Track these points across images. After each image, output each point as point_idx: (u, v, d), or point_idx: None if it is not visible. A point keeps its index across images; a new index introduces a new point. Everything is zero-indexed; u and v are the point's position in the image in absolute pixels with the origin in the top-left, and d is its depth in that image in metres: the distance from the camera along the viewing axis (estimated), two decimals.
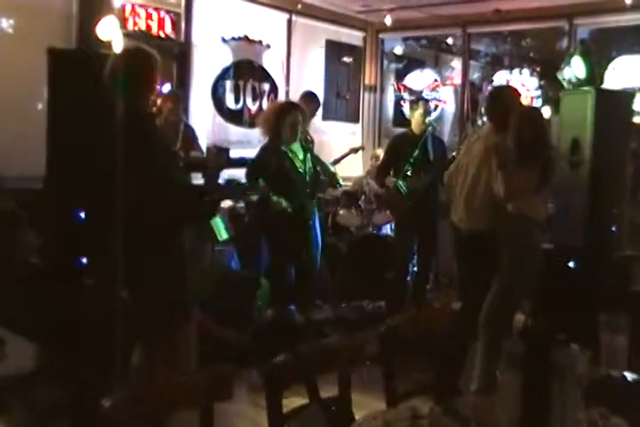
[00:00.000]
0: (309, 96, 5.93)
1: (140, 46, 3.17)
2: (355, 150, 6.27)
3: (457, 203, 3.91)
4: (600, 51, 6.50)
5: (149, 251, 2.89)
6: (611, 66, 6.34)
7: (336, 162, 5.88)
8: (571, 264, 4.34)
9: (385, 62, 8.12)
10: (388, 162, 5.53)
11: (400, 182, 5.27)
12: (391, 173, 5.39)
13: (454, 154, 5.99)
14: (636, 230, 5.10)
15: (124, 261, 2.83)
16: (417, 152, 5.28)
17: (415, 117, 5.37)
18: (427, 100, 5.81)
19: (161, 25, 5.73)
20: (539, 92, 6.96)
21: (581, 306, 3.88)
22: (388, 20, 6.90)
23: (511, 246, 3.61)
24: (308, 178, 4.71)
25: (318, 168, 4.84)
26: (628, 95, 5.67)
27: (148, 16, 5.63)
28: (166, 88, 5.49)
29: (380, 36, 7.88)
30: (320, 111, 6.61)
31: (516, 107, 3.87)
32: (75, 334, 3.11)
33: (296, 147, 4.71)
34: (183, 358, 3.13)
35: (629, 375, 2.16)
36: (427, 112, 5.41)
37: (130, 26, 5.46)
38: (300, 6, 6.67)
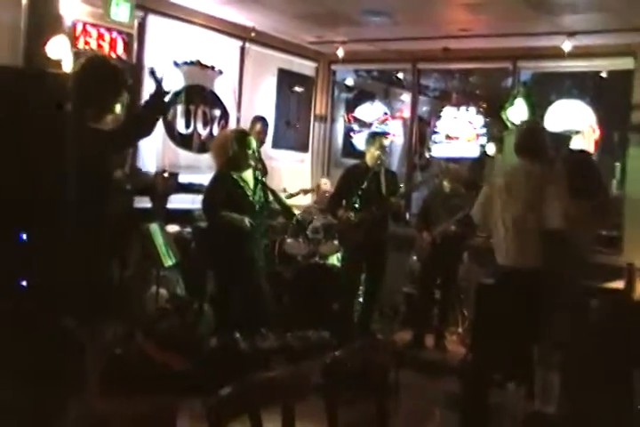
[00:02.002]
0: (261, 120, 6.02)
1: (106, 58, 3.19)
2: (305, 192, 6.30)
3: (505, 242, 3.93)
4: (541, 93, 6.79)
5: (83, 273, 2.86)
6: (550, 108, 6.61)
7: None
8: None
9: (336, 93, 8.24)
10: (341, 193, 5.61)
11: (351, 214, 5.35)
12: (343, 203, 5.47)
13: (402, 186, 6.15)
14: None
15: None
16: (370, 185, 5.38)
17: (371, 151, 5.47)
18: (385, 136, 5.91)
19: (112, 46, 5.67)
20: (484, 130, 7.17)
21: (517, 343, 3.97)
22: (340, 53, 7.02)
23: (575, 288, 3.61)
24: (257, 207, 4.74)
25: (271, 198, 4.88)
26: (565, 137, 5.94)
27: (100, 36, 5.56)
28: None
29: (332, 67, 7.99)
30: (270, 139, 6.69)
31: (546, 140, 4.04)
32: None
33: (247, 175, 4.75)
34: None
35: (560, 412, 2.24)
36: (383, 147, 5.52)
37: (80, 45, 5.41)
38: (253, 34, 6.73)
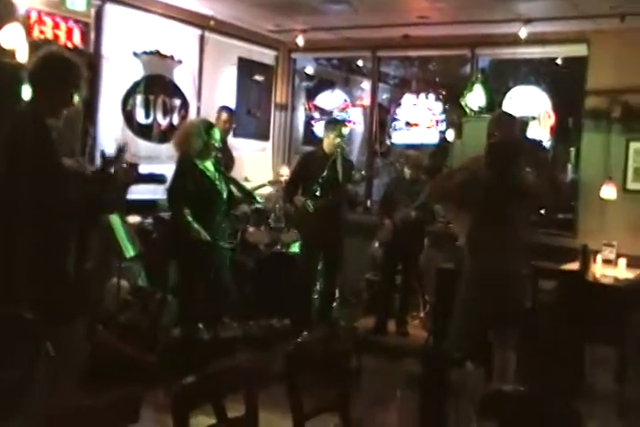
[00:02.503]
0: (227, 109, 5.97)
1: (62, 52, 3.16)
2: (272, 183, 6.27)
3: None
4: (499, 80, 6.87)
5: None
6: (508, 95, 6.69)
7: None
8: None
9: (296, 81, 8.20)
10: (296, 179, 5.61)
11: (308, 202, 5.36)
12: (299, 191, 5.47)
13: (363, 173, 6.18)
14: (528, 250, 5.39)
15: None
16: (326, 172, 5.38)
17: (329, 138, 5.47)
18: (344, 123, 5.92)
19: (69, 35, 5.56)
20: (443, 117, 7.23)
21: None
22: (300, 41, 6.99)
23: None
24: (224, 195, 4.75)
25: (231, 186, 4.87)
26: (522, 123, 6.01)
27: (55, 25, 5.45)
28: None
29: (292, 55, 7.96)
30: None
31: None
32: None
33: (209, 165, 4.73)
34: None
35: (517, 390, 2.29)
36: (341, 134, 5.52)
37: (35, 34, 5.29)
38: (212, 23, 6.67)
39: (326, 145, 5.49)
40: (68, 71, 3.05)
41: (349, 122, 7.96)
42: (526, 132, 5.96)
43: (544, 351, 3.89)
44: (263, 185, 6.00)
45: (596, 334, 3.71)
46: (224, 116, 6.07)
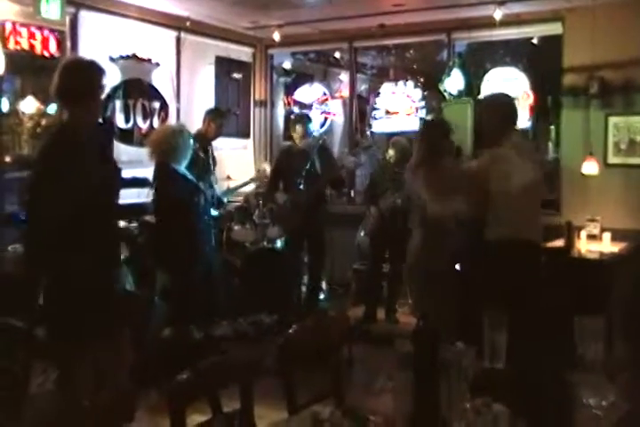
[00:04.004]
0: (215, 113, 5.95)
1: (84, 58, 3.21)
2: (254, 180, 6.30)
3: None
4: (476, 63, 6.88)
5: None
6: (485, 77, 6.70)
7: (234, 190, 5.85)
8: (457, 267, 4.55)
9: (274, 77, 8.20)
10: (276, 177, 5.66)
11: (286, 197, 5.41)
12: (281, 187, 5.51)
13: (352, 159, 6.19)
14: None
15: None
16: (301, 165, 5.43)
17: (297, 132, 5.53)
18: (308, 116, 5.97)
19: (45, 44, 5.54)
20: (422, 103, 7.24)
21: (467, 306, 4.08)
22: (277, 36, 7.00)
23: None
24: (207, 196, 4.79)
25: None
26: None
27: (31, 35, 5.43)
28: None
29: (269, 51, 7.96)
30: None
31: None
32: None
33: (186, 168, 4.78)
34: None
35: (508, 367, 2.33)
36: (306, 127, 5.57)
37: (11, 45, 5.27)
38: (188, 24, 6.67)
39: (297, 139, 5.58)
40: (95, 75, 3.06)
41: (329, 114, 7.96)
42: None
43: (534, 326, 3.93)
44: (247, 183, 6.00)
45: (584, 307, 3.76)
46: (219, 121, 5.94)
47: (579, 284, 4.42)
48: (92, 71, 3.02)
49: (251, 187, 6.50)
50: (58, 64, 5.57)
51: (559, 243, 5.08)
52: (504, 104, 3.95)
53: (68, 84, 2.96)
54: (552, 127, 7.05)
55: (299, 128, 5.55)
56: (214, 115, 5.78)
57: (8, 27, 5.22)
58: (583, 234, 5.30)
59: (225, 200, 5.35)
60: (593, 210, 5.65)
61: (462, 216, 3.89)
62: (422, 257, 4.07)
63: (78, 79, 2.98)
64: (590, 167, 5.80)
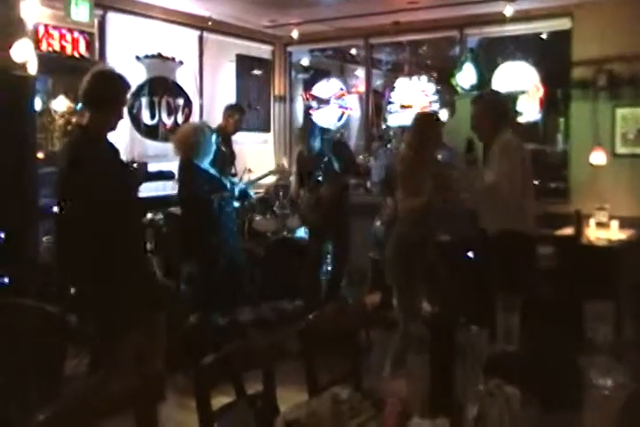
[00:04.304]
0: (237, 108, 5.97)
1: (112, 69, 3.38)
2: (273, 173, 6.31)
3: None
4: (488, 58, 6.82)
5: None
6: (497, 72, 6.64)
7: (254, 182, 5.87)
8: (470, 254, 4.54)
9: (293, 73, 8.18)
10: (299, 174, 5.67)
11: (308, 195, 5.43)
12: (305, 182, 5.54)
13: (361, 157, 6.19)
14: None
15: None
16: (319, 163, 5.44)
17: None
18: (311, 124, 6.05)
19: (75, 45, 5.60)
20: (436, 97, 7.18)
21: (480, 291, 4.07)
22: (295, 34, 7.00)
23: None
24: (229, 189, 4.82)
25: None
26: (512, 98, 5.98)
27: (62, 37, 5.49)
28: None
29: (288, 48, 7.94)
30: None
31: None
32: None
33: (208, 163, 4.81)
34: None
35: (520, 350, 2.32)
36: (309, 131, 5.59)
37: (44, 47, 5.32)
38: (210, 23, 6.67)
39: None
40: (120, 86, 3.21)
41: (346, 108, 7.94)
42: (516, 107, 5.93)
43: (545, 312, 3.92)
44: (266, 175, 6.02)
45: (593, 293, 3.73)
46: (237, 116, 5.99)
47: (588, 270, 4.39)
48: (117, 81, 3.20)
49: (271, 179, 6.52)
50: (87, 64, 5.70)
51: (569, 231, 5.03)
52: (497, 102, 3.94)
53: (95, 91, 3.12)
54: (562, 119, 6.96)
55: (301, 132, 5.66)
56: (232, 110, 5.82)
57: (41, 30, 5.28)
58: (592, 222, 5.25)
59: (251, 192, 5.38)
60: (601, 199, 5.60)
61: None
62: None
63: (104, 87, 3.14)
64: (599, 157, 5.75)
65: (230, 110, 5.79)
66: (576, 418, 1.95)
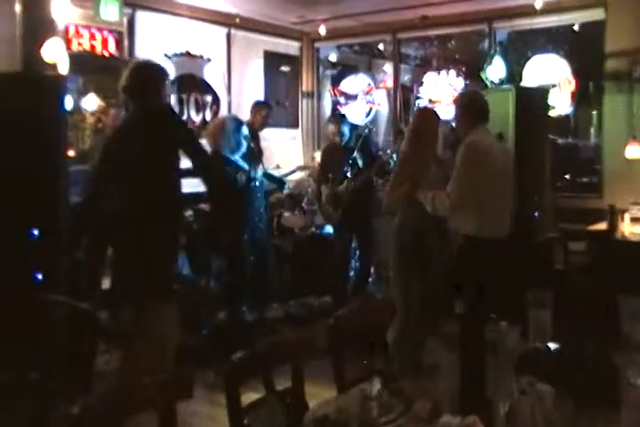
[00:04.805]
0: (264, 104, 5.99)
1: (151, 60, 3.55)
2: (301, 168, 6.29)
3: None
4: (517, 51, 6.72)
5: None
6: (527, 65, 6.54)
7: (282, 178, 5.86)
8: None
9: (321, 69, 8.17)
10: (324, 172, 5.65)
11: (328, 191, 5.42)
12: (329, 177, 5.52)
13: (389, 151, 6.13)
14: (556, 214, 5.30)
15: None
16: (346, 159, 5.41)
17: (332, 131, 5.53)
18: (341, 115, 5.97)
19: (104, 44, 5.67)
20: None
21: (510, 287, 4.01)
22: (323, 30, 6.98)
23: None
24: (258, 183, 4.83)
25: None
26: (543, 91, 5.89)
27: (92, 36, 5.55)
28: None
29: (315, 44, 7.94)
30: None
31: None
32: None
33: (239, 157, 4.81)
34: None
35: (553, 347, 2.27)
36: (338, 126, 5.52)
37: (74, 47, 5.39)
38: (238, 20, 6.69)
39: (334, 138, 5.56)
40: (158, 75, 3.33)
41: (374, 104, 7.90)
42: (547, 100, 5.83)
43: (578, 309, 3.84)
44: (294, 171, 6.02)
45: (628, 288, 3.65)
46: (263, 112, 6.01)
47: (622, 265, 4.30)
48: (155, 71, 3.32)
49: (299, 175, 6.51)
50: (117, 63, 5.76)
51: (602, 226, 4.94)
52: (473, 101, 3.88)
53: (134, 81, 3.24)
54: (594, 113, 6.83)
55: (331, 128, 5.54)
56: (260, 107, 5.83)
57: (71, 29, 5.35)
58: (627, 217, 5.13)
59: (286, 180, 5.38)
60: (636, 193, 5.47)
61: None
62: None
63: (143, 77, 3.25)
64: (634, 151, 5.62)
65: (257, 107, 5.81)
66: (611, 417, 1.90)
